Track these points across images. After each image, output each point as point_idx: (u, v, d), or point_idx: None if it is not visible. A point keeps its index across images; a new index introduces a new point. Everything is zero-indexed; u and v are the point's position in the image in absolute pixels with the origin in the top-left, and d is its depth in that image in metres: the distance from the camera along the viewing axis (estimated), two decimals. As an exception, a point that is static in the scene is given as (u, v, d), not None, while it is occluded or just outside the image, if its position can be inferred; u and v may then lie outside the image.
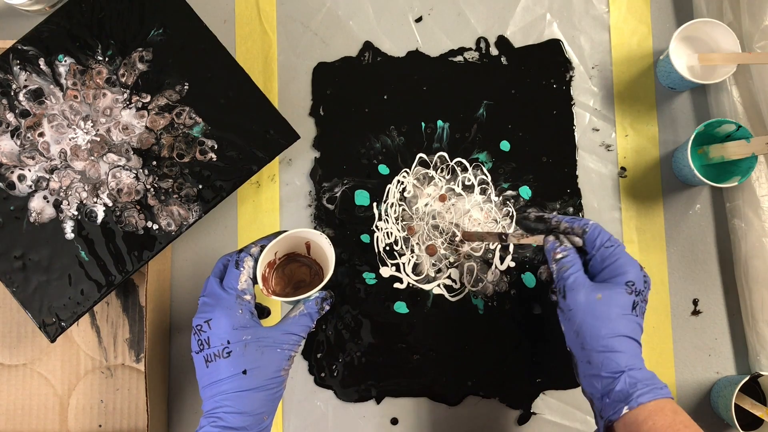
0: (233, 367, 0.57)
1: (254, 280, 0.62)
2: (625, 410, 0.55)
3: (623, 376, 0.56)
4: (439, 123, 0.77)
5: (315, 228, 0.76)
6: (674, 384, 0.74)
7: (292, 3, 0.79)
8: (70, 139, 0.70)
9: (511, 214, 0.76)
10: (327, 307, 0.63)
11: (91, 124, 0.70)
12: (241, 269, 0.61)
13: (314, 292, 0.62)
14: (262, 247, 0.62)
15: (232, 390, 0.57)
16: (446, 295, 0.75)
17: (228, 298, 0.59)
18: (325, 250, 0.64)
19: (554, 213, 0.71)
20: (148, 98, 0.70)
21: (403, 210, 0.76)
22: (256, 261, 0.62)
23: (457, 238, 0.72)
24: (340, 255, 0.75)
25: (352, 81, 0.78)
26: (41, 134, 0.70)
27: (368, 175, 0.77)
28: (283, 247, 0.66)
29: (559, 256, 0.61)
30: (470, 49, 0.78)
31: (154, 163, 0.70)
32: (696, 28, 0.73)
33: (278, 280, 0.67)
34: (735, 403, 0.68)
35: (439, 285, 0.75)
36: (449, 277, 0.75)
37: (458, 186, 0.76)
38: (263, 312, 0.67)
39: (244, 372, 0.57)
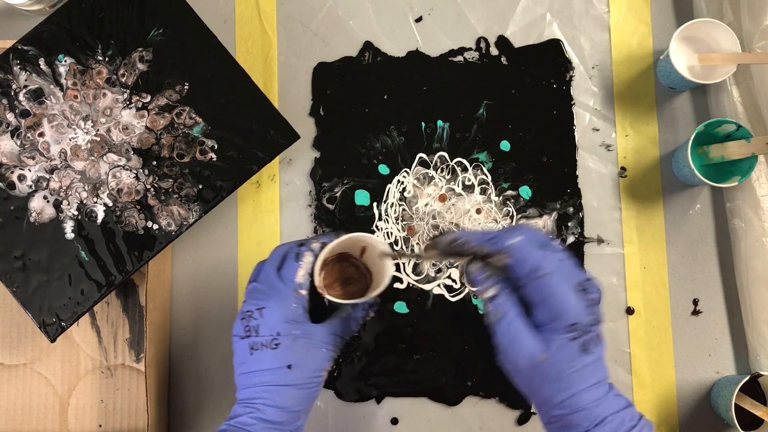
0: (279, 359, 0.55)
1: (310, 276, 0.59)
2: None
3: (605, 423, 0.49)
4: (439, 123, 0.77)
5: (315, 228, 0.76)
6: (674, 384, 0.74)
7: (292, 3, 0.79)
8: (70, 139, 0.70)
9: (511, 213, 0.76)
10: (372, 314, 0.61)
11: (91, 124, 0.70)
12: (301, 263, 0.58)
13: (368, 298, 0.60)
14: (323, 244, 0.60)
15: (274, 383, 0.55)
16: (446, 295, 0.75)
17: (285, 289, 0.57)
18: (385, 260, 0.61)
19: (468, 233, 0.53)
20: (148, 98, 0.70)
21: (403, 210, 0.76)
22: (315, 257, 0.59)
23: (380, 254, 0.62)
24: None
25: (352, 81, 0.78)
26: (41, 134, 0.70)
27: (368, 175, 0.77)
28: (340, 247, 0.63)
29: (487, 295, 0.51)
30: (470, 49, 0.78)
31: (154, 163, 0.70)
32: (696, 28, 0.73)
33: (327, 275, 0.65)
34: (735, 403, 0.68)
35: (439, 285, 0.75)
36: (449, 277, 0.75)
37: (458, 186, 0.76)
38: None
39: (289, 366, 0.55)
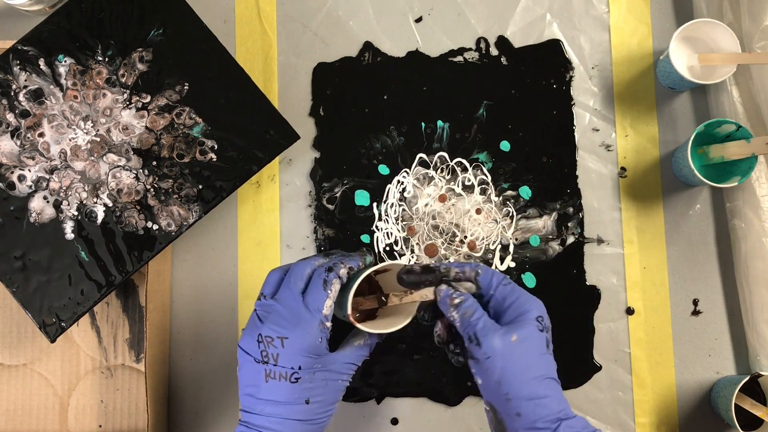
0: (297, 394, 0.53)
1: (338, 305, 0.57)
2: None
3: (561, 426, 0.51)
4: (439, 123, 0.77)
5: (315, 229, 0.76)
6: (674, 384, 0.74)
7: (292, 3, 0.79)
8: (70, 140, 0.70)
9: (511, 214, 0.76)
10: (381, 340, 0.59)
11: (91, 125, 0.70)
12: (329, 292, 0.55)
13: (398, 328, 0.57)
14: (350, 269, 0.57)
15: (290, 417, 0.53)
16: (446, 295, 0.75)
17: (311, 321, 0.54)
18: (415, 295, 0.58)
19: (441, 262, 0.61)
20: (148, 98, 0.70)
21: (403, 210, 0.76)
22: (342, 285, 0.56)
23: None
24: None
25: (352, 81, 0.78)
26: (41, 134, 0.70)
27: (368, 175, 0.77)
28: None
29: (457, 301, 0.54)
30: (470, 49, 0.78)
31: (154, 163, 0.70)
32: (696, 28, 0.73)
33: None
34: (735, 403, 0.68)
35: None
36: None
37: (458, 186, 0.76)
38: None
39: (307, 401, 0.53)
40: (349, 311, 0.55)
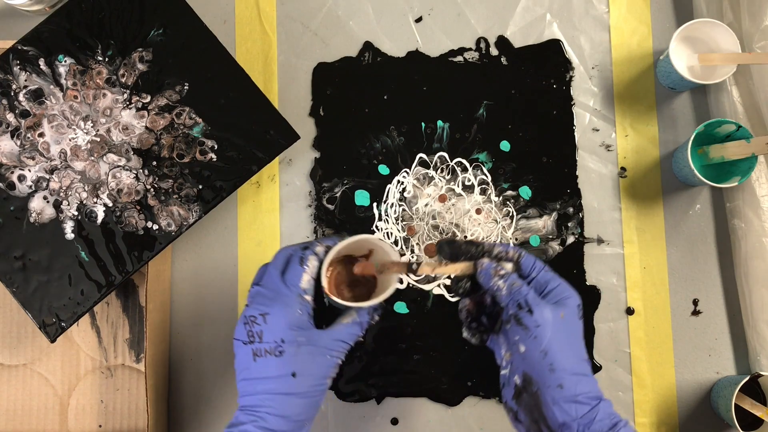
0: (284, 367, 0.54)
1: (315, 281, 0.59)
2: None
3: (601, 404, 0.52)
4: (439, 123, 0.77)
5: (315, 228, 0.76)
6: (674, 384, 0.74)
7: (292, 3, 0.79)
8: (70, 140, 0.70)
9: (511, 214, 0.76)
10: (377, 318, 0.60)
11: (91, 125, 0.70)
12: (305, 267, 0.57)
13: (377, 301, 0.59)
14: (327, 248, 0.59)
15: (278, 391, 0.54)
16: (446, 295, 0.75)
17: (289, 294, 0.56)
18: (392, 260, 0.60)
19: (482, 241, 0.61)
20: (148, 98, 0.71)
21: (403, 210, 0.76)
22: (319, 261, 0.58)
23: (355, 270, 0.60)
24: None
25: (352, 81, 0.78)
26: (41, 134, 0.70)
27: (368, 176, 0.77)
28: (346, 249, 0.62)
29: (502, 272, 0.55)
30: (470, 49, 0.78)
31: (154, 163, 0.70)
32: (696, 28, 0.73)
33: (332, 278, 0.63)
34: (735, 403, 0.68)
35: (439, 285, 0.75)
36: (449, 277, 0.75)
37: (458, 186, 0.76)
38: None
39: (294, 374, 0.54)
40: (324, 284, 0.58)
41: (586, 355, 0.54)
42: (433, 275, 0.58)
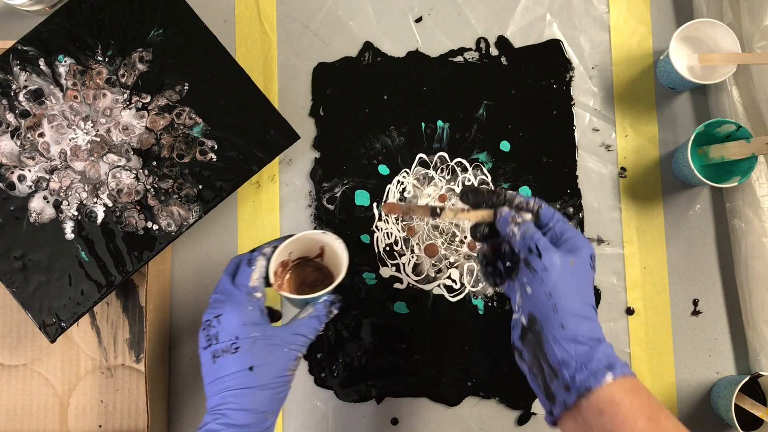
0: (240, 362, 0.57)
1: (266, 280, 0.61)
2: (609, 378, 0.51)
3: (602, 345, 0.53)
4: (439, 123, 0.77)
5: (315, 228, 0.76)
6: (674, 384, 0.74)
7: (292, 3, 0.79)
8: (70, 140, 0.70)
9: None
10: (335, 311, 0.63)
11: (91, 125, 0.70)
12: (253, 267, 0.60)
13: (323, 293, 0.62)
14: (274, 248, 0.62)
15: (238, 386, 0.57)
16: (446, 295, 0.75)
17: (239, 294, 0.59)
18: (339, 253, 0.63)
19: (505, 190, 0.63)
20: (148, 98, 0.71)
21: (403, 210, 0.76)
22: (268, 261, 0.61)
23: (383, 210, 0.67)
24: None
25: (352, 81, 0.78)
26: (41, 134, 0.70)
27: (368, 176, 0.77)
28: (298, 250, 0.65)
29: (519, 220, 0.57)
30: (470, 49, 0.78)
31: (154, 163, 0.70)
32: (696, 28, 0.73)
33: (292, 282, 0.67)
34: (735, 403, 0.68)
35: (439, 285, 0.75)
36: (449, 277, 0.75)
37: (458, 186, 0.76)
38: (274, 316, 0.66)
39: (251, 368, 0.57)
40: (272, 280, 0.61)
41: (592, 301, 0.55)
42: (455, 221, 0.64)
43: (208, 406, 0.58)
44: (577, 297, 0.54)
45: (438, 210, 0.59)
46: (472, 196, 0.60)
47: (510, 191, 0.61)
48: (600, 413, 0.50)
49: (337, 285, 0.62)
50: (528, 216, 0.58)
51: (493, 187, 0.61)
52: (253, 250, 0.62)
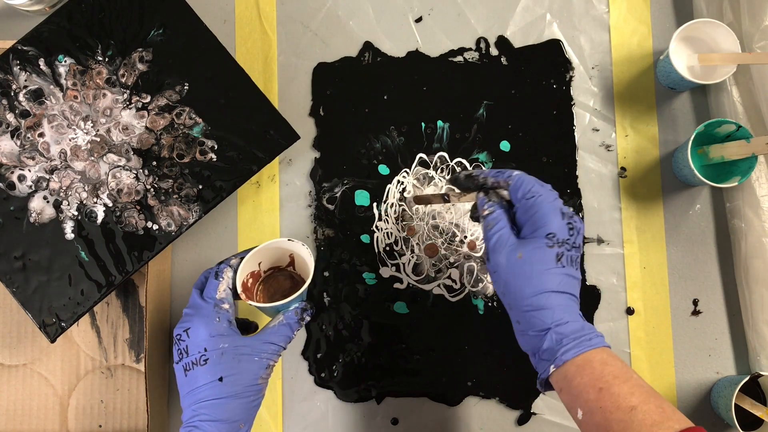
0: (210, 374, 0.57)
1: (234, 291, 0.62)
2: (552, 369, 0.54)
3: (549, 333, 0.55)
4: (439, 123, 0.77)
5: (315, 229, 0.76)
6: (674, 384, 0.74)
7: (292, 3, 0.79)
8: (70, 140, 0.70)
9: (511, 214, 0.76)
10: (307, 318, 0.63)
11: (91, 125, 0.70)
12: (221, 279, 0.61)
13: (289, 300, 0.62)
14: (241, 259, 0.63)
15: (209, 398, 0.57)
16: (446, 295, 0.75)
17: (206, 306, 0.60)
18: (306, 259, 0.64)
19: (483, 170, 0.64)
20: (148, 98, 0.71)
21: (403, 210, 0.76)
22: (235, 272, 0.62)
23: (409, 195, 0.70)
24: (340, 255, 0.75)
25: (352, 81, 0.78)
26: (41, 134, 0.70)
27: (368, 175, 0.77)
28: (267, 259, 0.66)
29: (486, 212, 0.60)
30: (470, 49, 0.78)
31: (154, 163, 0.70)
32: (696, 28, 0.73)
33: (263, 292, 0.67)
34: (735, 403, 0.68)
35: (439, 285, 0.75)
36: (449, 277, 0.75)
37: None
38: (249, 327, 0.67)
39: (221, 379, 0.57)
40: (239, 290, 0.61)
41: (550, 284, 0.56)
42: (459, 204, 0.71)
43: (183, 419, 0.58)
44: (526, 292, 0.56)
45: (446, 196, 0.64)
46: (458, 182, 0.63)
47: (486, 170, 0.62)
48: (560, 391, 0.55)
49: (305, 291, 0.62)
50: (505, 193, 0.61)
51: (470, 172, 0.64)
52: (220, 263, 0.63)
